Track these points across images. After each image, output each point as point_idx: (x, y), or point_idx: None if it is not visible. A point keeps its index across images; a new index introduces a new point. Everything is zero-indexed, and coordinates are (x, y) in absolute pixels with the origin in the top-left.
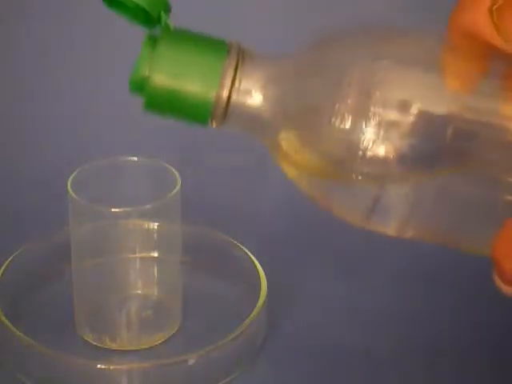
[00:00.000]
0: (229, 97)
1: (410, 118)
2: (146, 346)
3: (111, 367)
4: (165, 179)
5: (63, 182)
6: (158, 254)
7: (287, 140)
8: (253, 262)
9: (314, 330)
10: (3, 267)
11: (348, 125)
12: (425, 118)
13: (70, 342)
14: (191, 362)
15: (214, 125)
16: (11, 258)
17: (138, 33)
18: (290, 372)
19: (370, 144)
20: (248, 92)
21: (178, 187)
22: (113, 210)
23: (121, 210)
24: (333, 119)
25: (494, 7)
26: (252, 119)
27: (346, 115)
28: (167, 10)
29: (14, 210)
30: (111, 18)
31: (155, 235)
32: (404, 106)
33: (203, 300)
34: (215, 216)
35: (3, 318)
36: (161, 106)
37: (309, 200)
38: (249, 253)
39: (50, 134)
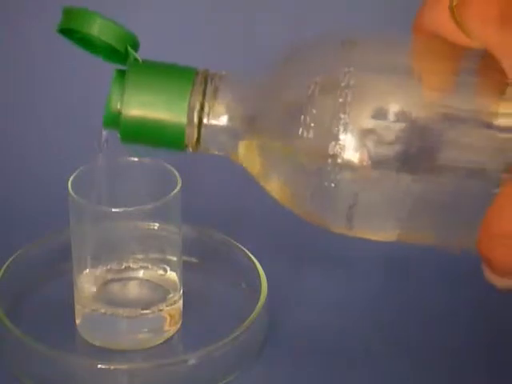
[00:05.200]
0: (199, 121)
1: (380, 123)
2: (146, 346)
3: (111, 367)
4: (165, 179)
5: (63, 181)
6: (158, 254)
7: (262, 156)
8: (253, 262)
9: (314, 329)
10: (3, 267)
11: (314, 134)
12: (393, 122)
13: (70, 342)
14: (191, 362)
15: (191, 149)
16: (11, 258)
17: (139, 34)
18: (289, 372)
19: (339, 151)
20: (219, 114)
21: (178, 187)
22: (113, 210)
23: (121, 210)
24: (301, 130)
25: (454, 3)
26: (226, 139)
27: (313, 125)
28: (134, 44)
29: (14, 210)
30: (113, 19)
31: (155, 235)
32: (373, 112)
33: (203, 300)
34: (215, 216)
35: (3, 318)
36: (136, 137)
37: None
38: (249, 253)
39: (50, 133)
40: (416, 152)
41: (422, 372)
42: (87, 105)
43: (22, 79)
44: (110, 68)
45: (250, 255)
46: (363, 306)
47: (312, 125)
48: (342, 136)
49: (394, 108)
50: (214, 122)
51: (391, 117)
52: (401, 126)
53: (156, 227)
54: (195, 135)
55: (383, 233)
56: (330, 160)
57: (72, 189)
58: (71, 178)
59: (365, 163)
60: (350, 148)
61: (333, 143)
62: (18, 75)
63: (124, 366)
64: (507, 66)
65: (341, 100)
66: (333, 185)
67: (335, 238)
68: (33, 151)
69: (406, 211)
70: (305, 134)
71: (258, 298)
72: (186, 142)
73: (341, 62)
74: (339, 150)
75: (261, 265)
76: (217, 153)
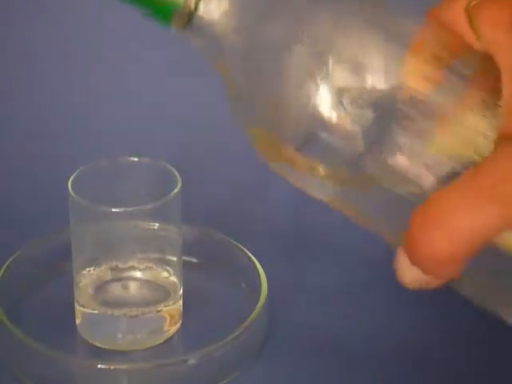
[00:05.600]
0: (196, 3)
1: (355, 82)
2: (146, 346)
3: (111, 367)
4: (165, 179)
5: (63, 181)
6: (158, 254)
7: (245, 63)
8: (253, 262)
9: (314, 329)
10: (3, 267)
11: (303, 51)
12: (367, 88)
13: (70, 342)
14: (191, 361)
15: (174, 26)
16: (11, 258)
17: (138, 35)
18: (289, 372)
19: (320, 75)
20: (217, 8)
21: (178, 187)
22: (113, 210)
23: (121, 210)
24: (292, 45)
25: (472, 4)
26: (213, 36)
27: (305, 40)
28: None
29: (14, 210)
30: (112, 19)
31: (155, 235)
32: (353, 67)
33: (203, 300)
34: (215, 216)
35: (3, 318)
36: None
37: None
38: (249, 253)
39: (50, 134)
40: (373, 119)
41: (423, 372)
42: (87, 105)
43: (22, 79)
44: (112, 69)
45: (250, 255)
46: (363, 306)
47: (304, 41)
48: (329, 63)
49: (370, 73)
50: (209, 9)
51: (364, 79)
52: (373, 90)
53: (156, 227)
54: (186, 15)
55: (319, 186)
56: (310, 84)
57: (72, 189)
58: (71, 178)
59: (335, 104)
60: (328, 79)
61: (316, 66)
62: (18, 75)
63: (124, 366)
64: (504, 67)
65: (322, 51)
66: (304, 106)
67: (335, 239)
68: (33, 151)
69: (348, 176)
70: (294, 49)
71: (258, 298)
72: (172, 17)
73: (346, 5)
74: (321, 74)
75: (261, 265)
76: (199, 47)
